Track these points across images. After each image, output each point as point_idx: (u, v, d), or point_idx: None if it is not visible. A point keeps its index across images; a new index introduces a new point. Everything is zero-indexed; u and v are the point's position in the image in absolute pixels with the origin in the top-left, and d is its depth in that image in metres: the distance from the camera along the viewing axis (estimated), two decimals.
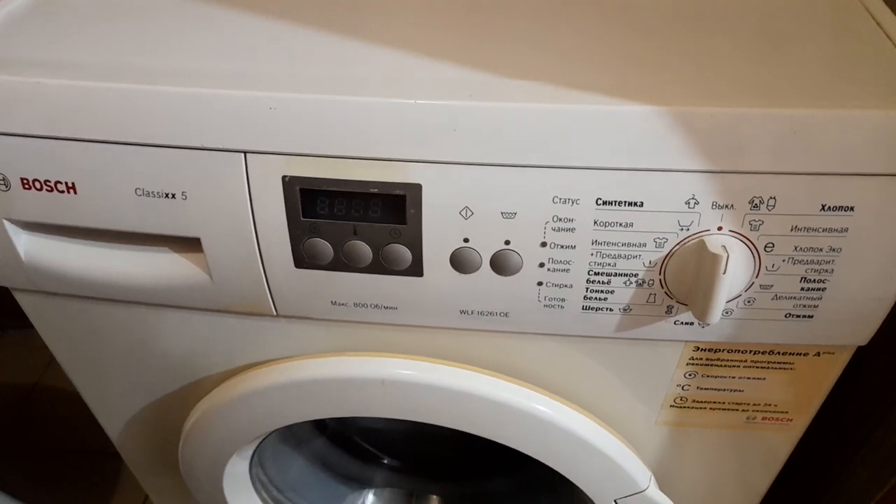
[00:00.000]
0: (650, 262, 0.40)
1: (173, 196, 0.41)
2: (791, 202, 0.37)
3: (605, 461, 0.50)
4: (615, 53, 0.41)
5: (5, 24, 0.45)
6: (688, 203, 0.38)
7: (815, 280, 0.40)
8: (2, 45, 0.43)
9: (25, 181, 0.42)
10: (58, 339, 0.55)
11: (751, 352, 0.46)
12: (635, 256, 0.40)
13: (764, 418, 0.50)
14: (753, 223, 0.38)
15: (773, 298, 0.41)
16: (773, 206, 0.38)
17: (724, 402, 0.50)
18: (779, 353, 0.46)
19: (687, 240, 0.39)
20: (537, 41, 0.43)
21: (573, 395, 0.49)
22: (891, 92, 0.37)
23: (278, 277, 0.44)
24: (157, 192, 0.41)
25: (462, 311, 0.44)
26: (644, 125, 0.37)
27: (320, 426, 0.75)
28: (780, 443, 0.53)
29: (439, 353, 0.48)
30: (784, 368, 0.47)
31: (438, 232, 0.40)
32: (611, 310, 0.43)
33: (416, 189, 0.39)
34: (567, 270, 0.41)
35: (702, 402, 0.50)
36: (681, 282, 0.41)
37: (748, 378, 0.48)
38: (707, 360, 0.47)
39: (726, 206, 0.38)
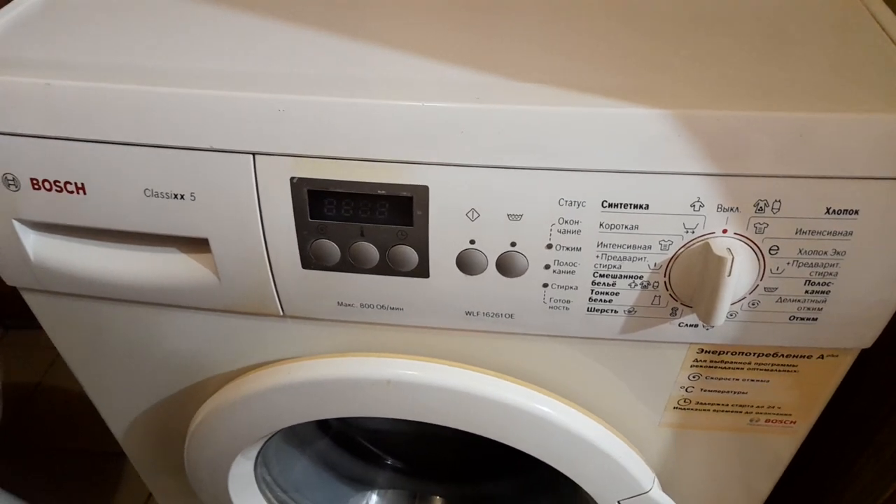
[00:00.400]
0: (655, 265, 0.40)
1: (182, 197, 0.41)
2: (796, 205, 0.38)
3: (608, 463, 0.50)
4: (621, 55, 0.41)
5: (16, 25, 0.46)
6: (693, 206, 0.38)
7: (819, 283, 0.40)
8: (12, 46, 0.44)
9: (35, 181, 0.43)
10: (65, 339, 0.55)
11: (755, 354, 0.46)
12: (640, 259, 0.40)
13: (767, 420, 0.51)
14: (758, 226, 0.38)
15: (777, 301, 0.41)
16: (778, 209, 0.38)
17: (727, 405, 0.50)
18: (783, 355, 0.46)
19: (692, 242, 0.39)
20: (543, 43, 0.43)
21: (577, 397, 0.50)
22: None
23: (285, 278, 0.44)
24: (166, 193, 0.42)
25: (467, 313, 0.44)
26: (650, 128, 0.37)
27: (324, 427, 0.75)
28: (784, 445, 0.53)
29: (444, 354, 0.49)
30: (788, 371, 0.47)
31: (445, 233, 0.41)
32: (616, 312, 0.43)
33: (423, 191, 0.39)
34: (572, 272, 0.41)
35: (705, 404, 0.50)
36: (685, 284, 0.41)
37: (752, 380, 0.48)
38: (711, 362, 0.47)
39: (731, 209, 0.38)
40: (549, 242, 0.40)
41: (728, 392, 0.49)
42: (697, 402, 0.50)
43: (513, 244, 0.41)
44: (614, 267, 0.41)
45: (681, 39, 0.43)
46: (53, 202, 0.43)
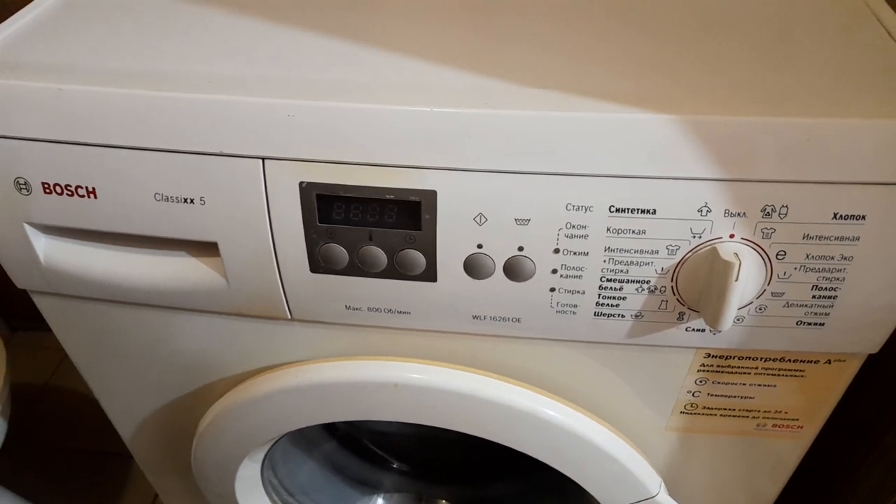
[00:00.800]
0: (662, 269, 0.41)
1: (192, 201, 0.42)
2: (803, 210, 0.38)
3: (615, 466, 0.50)
4: (627, 60, 0.42)
5: (28, 30, 0.46)
6: (700, 211, 0.38)
7: (826, 288, 0.40)
8: (25, 51, 0.44)
9: (46, 185, 0.43)
10: (74, 341, 0.55)
11: (762, 359, 0.46)
12: (648, 263, 0.40)
13: (774, 425, 0.51)
14: (765, 231, 0.38)
15: (784, 306, 0.41)
16: (786, 214, 0.38)
17: (734, 409, 0.50)
18: (790, 360, 0.46)
19: (699, 247, 0.39)
20: (550, 48, 0.43)
21: (584, 401, 0.50)
22: None
23: (294, 282, 0.44)
24: (176, 197, 0.42)
25: (475, 316, 0.45)
26: (657, 133, 0.37)
27: (331, 430, 0.75)
28: (790, 450, 0.53)
29: (451, 358, 0.49)
30: (795, 376, 0.47)
31: (452, 238, 0.41)
32: (623, 316, 0.43)
33: (431, 195, 0.40)
34: (580, 277, 0.41)
35: (712, 408, 0.50)
36: (692, 289, 0.41)
37: (759, 385, 0.48)
38: (718, 366, 0.47)
39: (739, 214, 0.38)
40: (557, 247, 0.40)
41: (735, 396, 0.49)
42: (704, 407, 0.50)
43: (520, 248, 0.41)
44: (621, 271, 0.41)
45: (687, 44, 0.43)
46: (64, 206, 0.44)
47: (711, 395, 0.49)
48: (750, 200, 0.38)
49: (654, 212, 0.39)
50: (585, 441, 0.49)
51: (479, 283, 0.42)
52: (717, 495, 0.57)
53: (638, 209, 0.39)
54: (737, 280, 0.38)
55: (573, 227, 0.40)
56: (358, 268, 0.43)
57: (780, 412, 0.50)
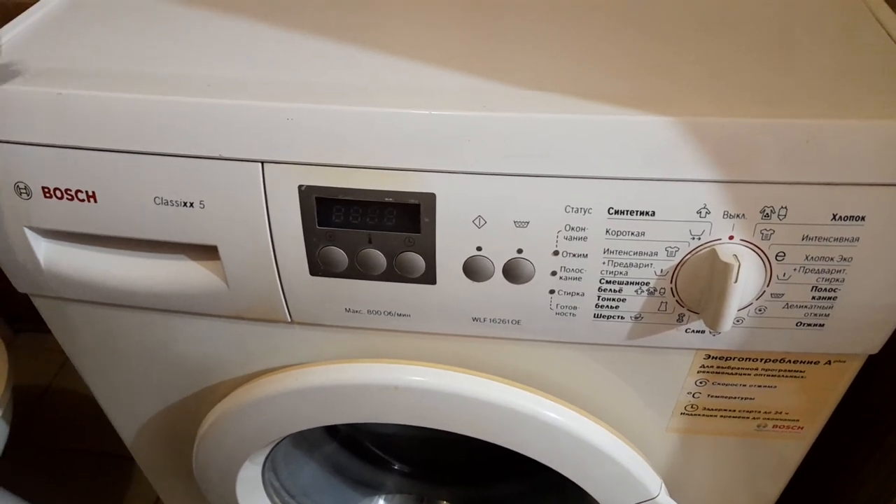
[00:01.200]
0: (662, 271, 0.41)
1: (191, 205, 0.42)
2: (802, 212, 0.38)
3: (615, 468, 0.50)
4: (627, 62, 0.42)
5: (29, 34, 0.46)
6: (699, 212, 0.38)
7: (826, 289, 0.40)
8: (25, 55, 0.44)
9: (46, 190, 0.43)
10: (75, 344, 0.56)
11: (762, 360, 0.46)
12: (647, 265, 0.40)
13: (775, 426, 0.51)
14: (765, 232, 0.38)
15: (784, 307, 0.41)
16: (785, 215, 0.38)
17: (734, 410, 0.50)
18: (790, 361, 0.46)
19: (698, 249, 0.39)
20: (549, 50, 0.43)
21: (584, 402, 0.50)
22: None
23: (293, 285, 0.44)
24: (176, 201, 0.42)
25: (474, 319, 0.45)
26: (656, 135, 0.37)
27: (332, 431, 0.75)
28: (791, 450, 0.53)
29: (451, 360, 0.49)
30: (795, 376, 0.47)
31: (452, 240, 0.41)
32: (622, 318, 0.43)
33: (431, 198, 0.40)
34: (579, 279, 0.41)
35: (712, 409, 0.50)
36: (692, 290, 0.41)
37: (759, 386, 0.48)
38: (718, 367, 0.47)
39: (738, 216, 0.38)
40: (556, 249, 0.40)
41: (735, 398, 0.49)
42: (704, 408, 0.50)
43: (519, 251, 0.41)
44: (621, 273, 0.41)
45: (686, 45, 0.43)
46: (64, 210, 0.44)
47: (712, 397, 0.49)
48: (749, 202, 0.38)
49: (654, 213, 0.39)
50: (586, 443, 0.49)
51: (478, 285, 0.42)
52: (717, 496, 0.57)
53: (637, 211, 0.39)
54: (736, 281, 0.38)
55: (572, 229, 0.40)
56: (357, 271, 0.43)
57: (781, 413, 0.50)
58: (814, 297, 0.41)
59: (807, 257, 0.39)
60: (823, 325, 0.42)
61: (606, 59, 0.42)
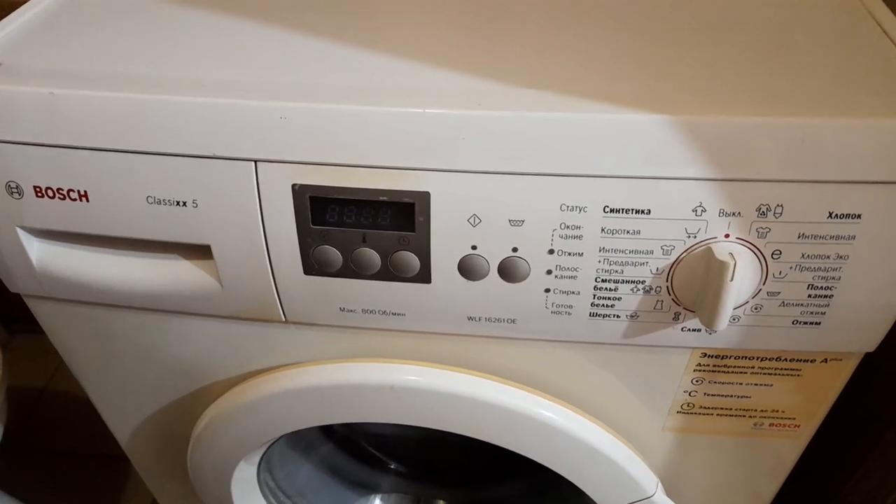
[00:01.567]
0: (657, 269, 0.40)
1: (184, 204, 0.42)
2: (798, 210, 0.38)
3: (612, 467, 0.50)
4: (623, 62, 0.41)
5: (19, 34, 0.46)
6: (695, 210, 0.38)
7: (822, 287, 0.40)
8: (16, 55, 0.44)
9: (38, 189, 0.43)
10: (68, 345, 0.55)
11: (758, 358, 0.46)
12: (642, 263, 0.40)
13: (771, 425, 0.50)
14: (761, 230, 0.38)
15: (780, 305, 0.41)
16: (781, 213, 0.38)
17: (731, 409, 0.50)
18: (786, 359, 0.46)
19: (694, 247, 0.39)
20: (545, 49, 0.43)
21: (580, 402, 0.50)
22: None
23: (288, 284, 0.44)
24: (169, 201, 0.42)
25: (470, 318, 0.44)
26: (651, 133, 0.37)
27: (328, 432, 0.75)
28: (788, 449, 0.53)
29: (447, 360, 0.49)
30: (791, 375, 0.47)
31: (447, 239, 0.41)
32: (618, 316, 0.43)
33: (425, 197, 0.40)
34: (574, 277, 0.41)
35: (709, 408, 0.50)
36: (688, 289, 0.41)
37: (755, 384, 0.48)
38: (714, 366, 0.47)
39: (733, 214, 0.38)
40: (551, 248, 0.40)
41: (731, 396, 0.49)
42: (701, 407, 0.50)
43: (514, 250, 0.41)
44: (616, 272, 0.41)
45: (682, 45, 0.43)
46: (57, 210, 0.44)
47: (708, 395, 0.49)
48: (745, 200, 0.38)
49: (649, 212, 0.38)
50: (582, 442, 0.49)
51: (473, 284, 0.42)
52: (714, 495, 0.57)
53: (632, 209, 0.39)
54: (732, 280, 0.37)
55: (567, 227, 0.39)
56: (352, 270, 0.43)
57: (777, 411, 0.49)
58: (810, 296, 0.41)
59: (803, 255, 0.39)
60: (820, 323, 0.42)
61: (602, 58, 0.42)
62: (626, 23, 0.45)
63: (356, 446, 0.78)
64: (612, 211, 0.39)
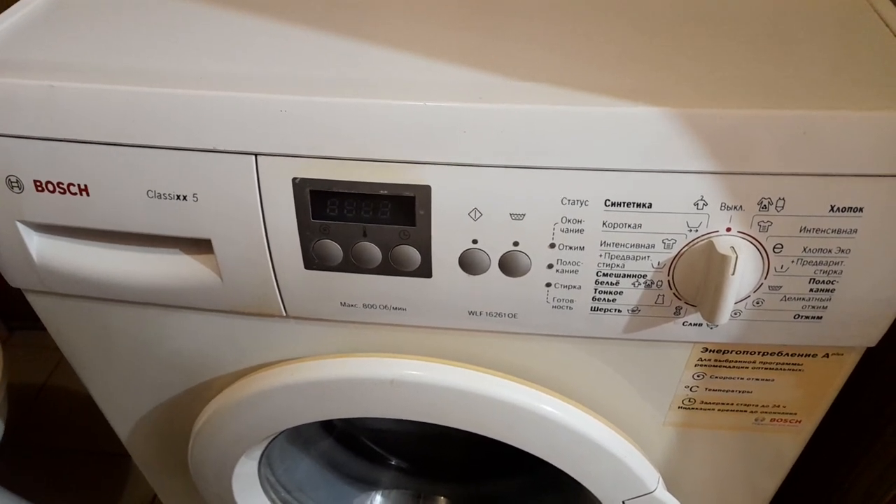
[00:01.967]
0: (659, 264, 0.40)
1: (185, 198, 0.42)
2: (800, 203, 0.37)
3: (613, 462, 0.50)
4: (623, 55, 0.41)
5: (19, 27, 0.46)
6: (696, 204, 0.38)
7: (823, 281, 0.40)
8: (16, 48, 0.44)
9: (38, 183, 0.43)
10: (69, 340, 0.55)
11: (759, 353, 0.46)
12: (644, 258, 0.40)
13: (772, 420, 0.50)
14: (762, 224, 0.38)
15: (781, 299, 0.41)
16: (782, 207, 0.38)
17: (732, 404, 0.50)
18: (787, 354, 0.46)
19: (695, 241, 0.39)
20: (546, 42, 0.43)
21: (581, 396, 0.50)
22: None
23: (288, 279, 0.44)
24: (169, 194, 0.42)
25: (470, 312, 0.44)
26: (653, 127, 0.37)
27: (328, 427, 0.75)
28: (789, 444, 0.53)
29: (448, 354, 0.49)
30: (793, 370, 0.47)
31: (447, 233, 0.41)
32: (619, 311, 0.43)
33: (426, 191, 0.39)
34: (575, 272, 0.41)
35: (710, 403, 0.50)
36: (689, 283, 0.41)
37: (756, 379, 0.48)
38: (715, 361, 0.47)
39: (735, 208, 0.38)
40: (552, 242, 0.40)
41: (733, 391, 0.49)
42: (702, 402, 0.50)
43: (515, 244, 0.41)
44: (618, 266, 0.41)
45: (683, 38, 0.43)
46: (57, 204, 0.43)
47: (709, 390, 0.49)
48: (746, 194, 0.37)
49: (650, 206, 0.38)
50: (583, 437, 0.48)
51: (474, 278, 0.42)
52: (715, 490, 0.57)
53: (634, 203, 0.39)
54: (733, 274, 0.37)
55: (569, 221, 0.39)
56: (352, 264, 0.43)
57: (778, 406, 0.49)
58: (811, 290, 0.41)
59: (804, 249, 0.39)
60: (821, 317, 0.42)
61: (603, 51, 0.42)
62: (626, 16, 0.45)
63: (356, 442, 0.78)
64: (613, 204, 0.39)
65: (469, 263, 0.42)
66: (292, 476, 0.69)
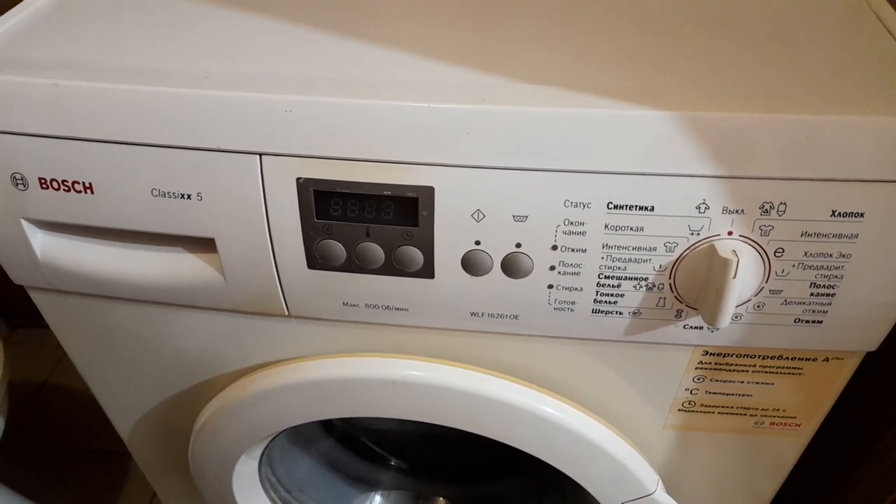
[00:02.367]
0: (660, 266, 0.40)
1: (189, 197, 0.42)
2: (801, 208, 0.38)
3: (612, 464, 0.50)
4: (626, 57, 0.42)
5: (25, 25, 0.46)
6: (698, 208, 0.38)
7: (824, 286, 0.40)
8: (21, 46, 0.44)
9: (43, 181, 0.43)
10: (71, 338, 0.55)
11: (760, 356, 0.46)
12: (645, 260, 0.40)
13: (772, 423, 0.51)
14: (764, 228, 0.38)
15: (782, 303, 0.41)
16: (784, 211, 0.38)
17: (732, 407, 0.50)
18: (788, 358, 0.46)
19: (697, 244, 0.39)
20: (548, 44, 0.43)
21: (582, 398, 0.50)
22: None
23: (291, 278, 0.44)
24: (173, 193, 0.42)
25: (472, 313, 0.44)
26: (655, 130, 0.37)
27: (328, 427, 0.75)
28: (788, 448, 0.53)
29: (449, 355, 0.49)
30: (793, 373, 0.47)
31: (450, 234, 0.41)
32: (620, 313, 0.43)
33: (429, 192, 0.40)
34: (577, 274, 0.41)
35: (710, 406, 0.50)
36: (691, 286, 0.41)
37: (757, 383, 0.48)
38: (716, 364, 0.47)
39: (737, 211, 0.38)
40: (555, 244, 0.40)
41: (733, 394, 0.49)
42: (702, 405, 0.50)
43: (518, 245, 0.41)
44: (619, 268, 0.41)
45: (685, 41, 0.43)
46: (61, 202, 0.44)
47: (709, 393, 0.49)
48: (748, 197, 0.38)
49: (652, 209, 0.39)
50: (583, 438, 0.49)
51: (476, 279, 0.42)
52: (714, 493, 0.57)
53: (636, 206, 0.39)
54: (735, 277, 0.38)
55: (571, 223, 0.40)
56: (355, 264, 0.43)
57: (778, 410, 0.50)
58: (812, 294, 0.41)
59: (805, 254, 0.39)
60: (822, 321, 0.42)
61: (606, 53, 0.42)
62: (629, 17, 0.45)
63: (356, 442, 0.78)
64: (615, 207, 0.39)
65: (471, 264, 0.42)
66: (292, 476, 0.69)
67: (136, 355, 0.55)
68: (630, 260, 0.40)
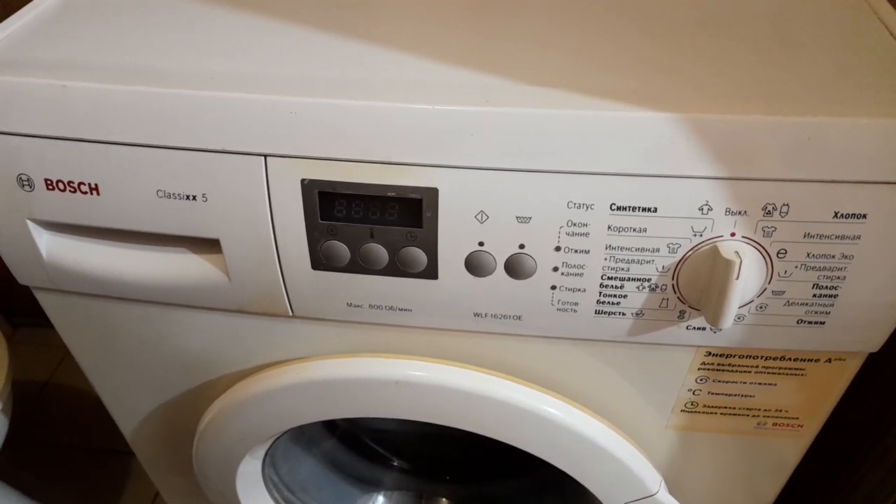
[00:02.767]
0: (663, 268, 0.41)
1: (194, 198, 0.42)
2: (804, 209, 0.38)
3: (615, 465, 0.50)
4: (629, 59, 0.42)
5: (32, 27, 0.46)
6: (701, 209, 0.38)
7: (827, 287, 0.40)
8: (29, 48, 0.44)
9: (49, 182, 0.43)
10: (76, 338, 0.56)
11: (762, 357, 0.46)
12: (648, 261, 0.40)
13: (774, 424, 0.51)
14: (766, 229, 0.39)
15: (785, 305, 0.41)
16: (787, 212, 0.38)
17: (734, 408, 0.50)
18: (790, 359, 0.46)
19: (700, 245, 0.39)
20: (552, 46, 0.43)
21: (584, 399, 0.50)
22: None
23: (295, 279, 0.45)
24: (178, 194, 0.42)
25: (476, 314, 0.45)
26: (658, 131, 0.37)
27: (331, 427, 0.76)
28: (791, 449, 0.53)
29: (452, 355, 0.49)
30: (795, 374, 0.47)
31: (454, 235, 0.41)
32: (623, 314, 0.43)
33: (433, 193, 0.40)
34: (581, 275, 0.41)
35: (712, 407, 0.50)
36: (693, 287, 0.41)
37: (759, 384, 0.48)
38: (718, 365, 0.47)
39: (739, 213, 0.38)
40: (558, 245, 0.41)
41: (735, 395, 0.49)
42: (704, 405, 0.50)
43: (521, 246, 0.41)
44: (622, 269, 0.41)
45: (689, 42, 0.43)
46: (67, 202, 0.44)
47: (712, 394, 0.49)
48: (751, 199, 0.38)
49: (656, 210, 0.39)
50: (586, 439, 0.49)
51: (480, 280, 0.43)
52: (717, 494, 0.58)
53: (639, 207, 0.39)
54: (737, 278, 0.38)
55: (574, 224, 0.40)
56: (359, 265, 0.43)
57: (781, 411, 0.50)
58: (815, 295, 0.41)
59: (808, 255, 0.39)
60: (824, 322, 0.42)
61: (609, 55, 0.42)
62: (631, 19, 0.46)
63: (359, 442, 0.78)
64: (618, 208, 0.39)
65: (475, 265, 0.42)
66: (295, 476, 0.69)
67: (140, 355, 0.55)
68: (633, 261, 0.41)
